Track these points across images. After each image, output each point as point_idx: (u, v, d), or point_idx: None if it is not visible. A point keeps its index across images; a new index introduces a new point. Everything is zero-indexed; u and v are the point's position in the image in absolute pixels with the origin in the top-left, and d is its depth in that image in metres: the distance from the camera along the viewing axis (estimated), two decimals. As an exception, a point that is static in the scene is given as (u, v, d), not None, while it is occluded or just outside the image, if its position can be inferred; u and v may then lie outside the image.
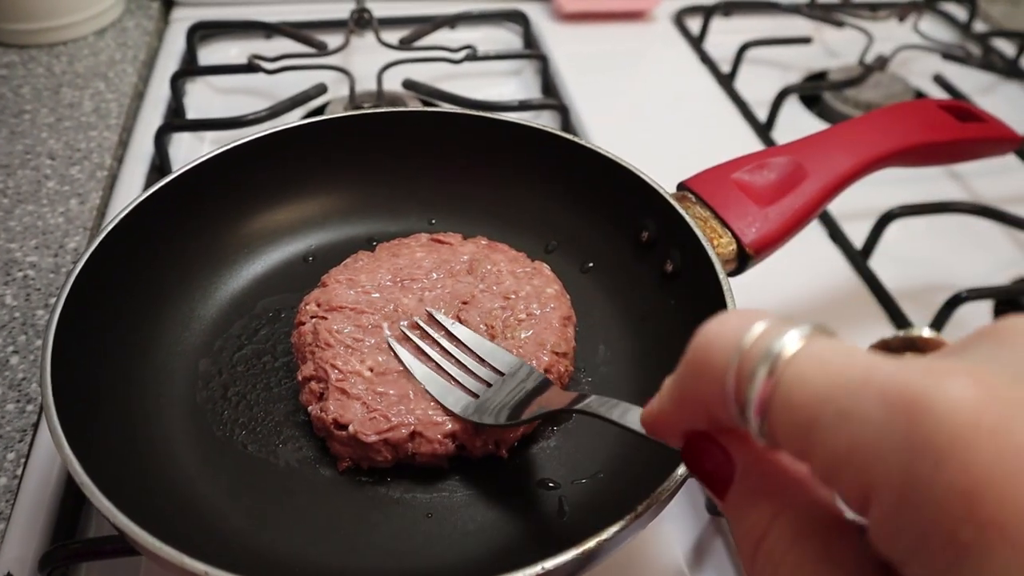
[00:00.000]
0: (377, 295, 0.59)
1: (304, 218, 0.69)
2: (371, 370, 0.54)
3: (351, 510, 0.51)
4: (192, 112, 0.93)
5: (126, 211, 0.57)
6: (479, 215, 0.69)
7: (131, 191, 0.80)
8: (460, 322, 0.57)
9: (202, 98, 0.95)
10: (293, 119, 0.80)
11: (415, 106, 0.88)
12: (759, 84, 0.99)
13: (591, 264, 0.67)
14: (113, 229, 0.55)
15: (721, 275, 0.55)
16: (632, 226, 0.64)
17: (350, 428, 0.51)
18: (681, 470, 0.44)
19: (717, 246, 0.56)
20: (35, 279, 0.71)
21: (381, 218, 0.70)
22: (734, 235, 0.57)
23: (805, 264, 0.76)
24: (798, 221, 0.59)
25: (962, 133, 0.65)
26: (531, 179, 0.68)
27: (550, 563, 0.40)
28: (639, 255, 0.64)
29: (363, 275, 0.60)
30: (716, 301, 0.54)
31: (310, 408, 0.53)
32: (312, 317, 0.57)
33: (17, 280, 0.70)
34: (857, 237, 0.78)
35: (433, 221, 0.70)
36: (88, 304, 0.52)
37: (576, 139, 0.66)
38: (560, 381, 0.55)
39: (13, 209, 0.78)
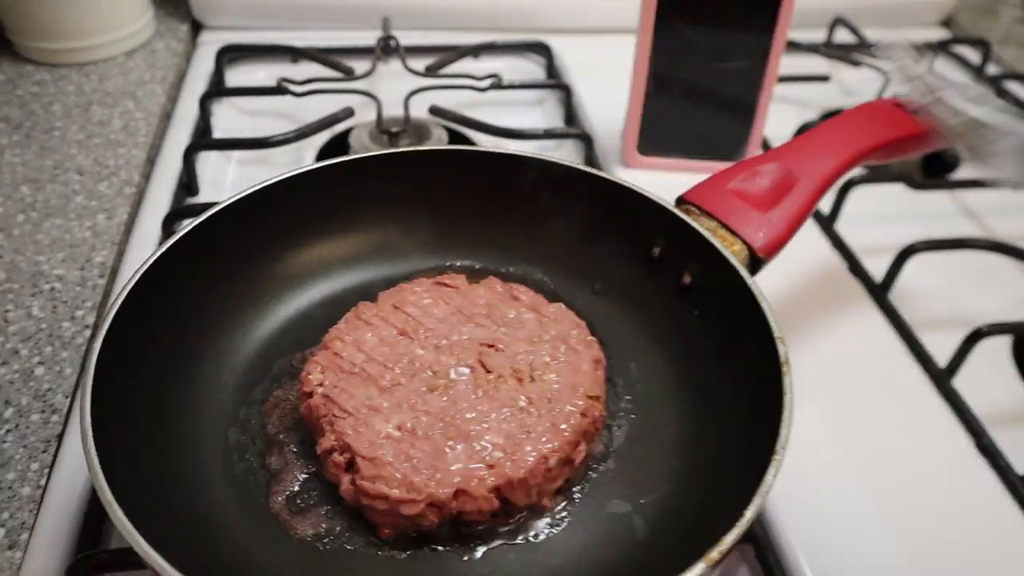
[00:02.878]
0: (387, 349, 0.56)
1: (312, 265, 0.67)
2: (399, 429, 0.51)
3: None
4: (219, 132, 0.94)
5: (141, 270, 0.55)
6: (484, 246, 0.70)
7: (158, 207, 0.81)
8: (484, 368, 0.56)
9: (229, 118, 0.96)
10: (320, 141, 0.80)
11: (439, 133, 0.90)
12: (778, 119, 1.00)
13: (598, 286, 0.68)
14: (127, 295, 0.53)
15: (748, 279, 0.56)
16: (641, 244, 0.65)
17: (390, 498, 0.48)
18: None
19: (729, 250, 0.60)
20: (62, 291, 0.71)
21: (379, 263, 0.69)
22: (744, 241, 0.60)
23: (825, 297, 0.76)
24: (799, 221, 0.62)
25: (922, 127, 0.71)
26: (533, 208, 0.69)
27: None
28: (651, 271, 0.65)
29: (368, 333, 0.57)
30: (746, 304, 0.55)
31: (340, 485, 0.51)
32: (319, 385, 0.54)
33: (44, 292, 0.71)
34: (877, 271, 0.79)
35: (445, 263, 0.70)
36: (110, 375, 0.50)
37: (578, 166, 0.67)
38: (595, 426, 0.55)
39: (42, 223, 0.79)
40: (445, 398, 0.54)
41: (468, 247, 0.70)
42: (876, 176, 0.87)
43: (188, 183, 0.84)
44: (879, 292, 0.78)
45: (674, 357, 0.63)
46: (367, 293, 0.64)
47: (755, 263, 0.60)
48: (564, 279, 0.69)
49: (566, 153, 0.93)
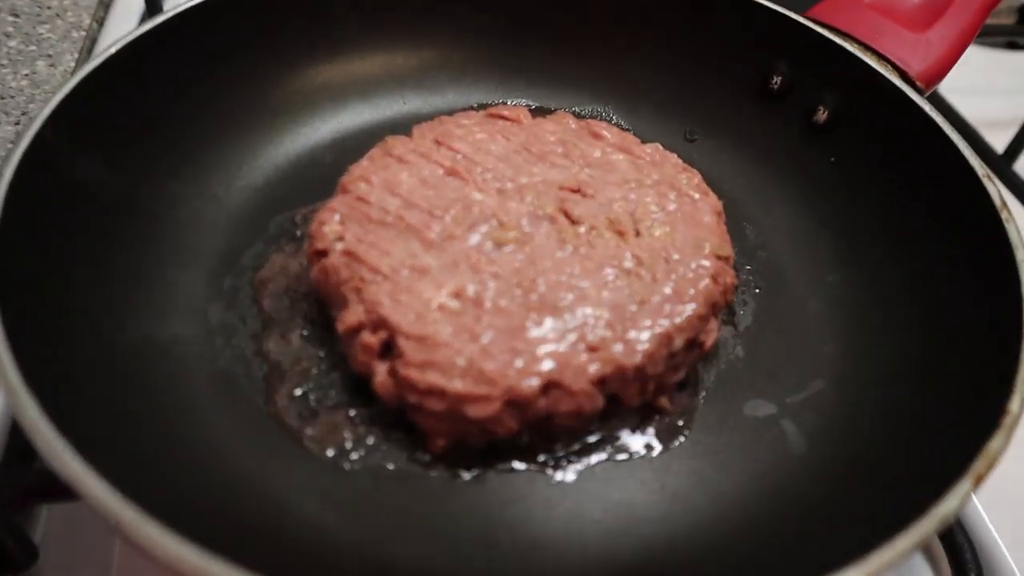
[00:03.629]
0: (431, 193, 0.40)
1: (319, 93, 0.50)
2: (457, 297, 0.36)
3: (479, 511, 0.34)
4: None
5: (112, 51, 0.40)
6: (542, 78, 0.53)
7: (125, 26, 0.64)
8: (568, 219, 0.40)
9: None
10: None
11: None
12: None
13: (694, 131, 0.52)
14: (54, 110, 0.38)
15: (924, 104, 0.43)
16: (754, 73, 0.50)
17: (450, 393, 0.33)
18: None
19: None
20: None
21: (407, 95, 0.52)
22: (896, 67, 0.47)
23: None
24: (965, 42, 0.49)
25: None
26: (606, 27, 0.52)
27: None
28: (767, 110, 0.50)
29: (403, 172, 0.41)
30: (918, 140, 0.42)
31: (374, 376, 0.35)
32: (338, 240, 0.38)
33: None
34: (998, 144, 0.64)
35: (490, 101, 0.53)
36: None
37: None
38: (725, 297, 0.39)
39: (-36, 70, 0.62)
40: (520, 255, 0.37)
41: (520, 79, 0.53)
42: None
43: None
44: (1002, 163, 0.63)
45: (805, 217, 0.47)
46: (391, 133, 0.47)
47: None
48: (648, 122, 0.53)
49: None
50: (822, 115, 0.48)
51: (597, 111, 0.53)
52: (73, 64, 0.66)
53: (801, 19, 0.48)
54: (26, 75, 0.64)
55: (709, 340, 0.38)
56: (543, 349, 0.34)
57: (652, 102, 0.53)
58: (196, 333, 0.39)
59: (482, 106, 0.52)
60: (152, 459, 0.31)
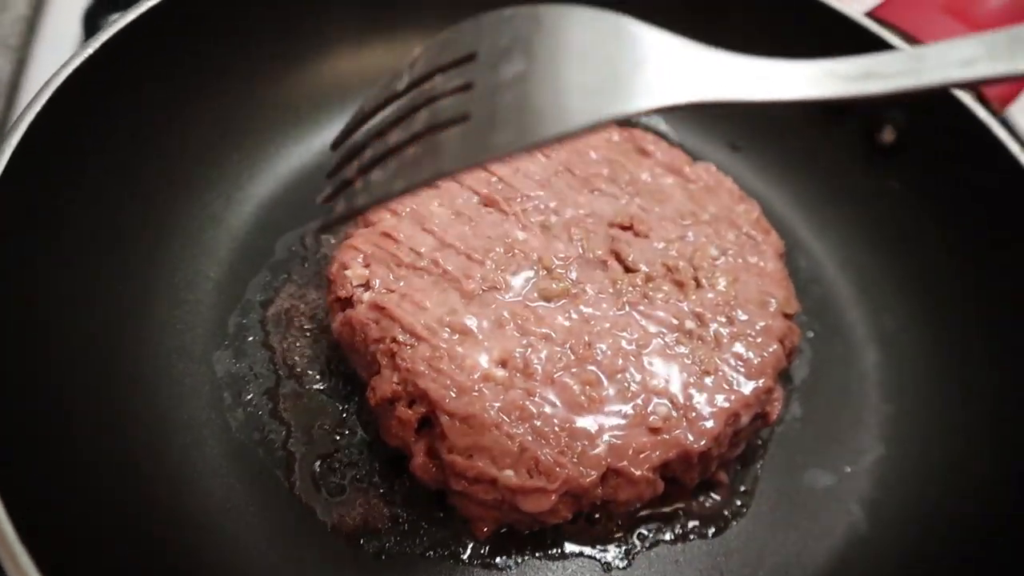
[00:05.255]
0: (467, 229, 0.35)
1: (333, 87, 0.43)
2: (503, 366, 0.31)
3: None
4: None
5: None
6: None
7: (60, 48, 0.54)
8: (622, 263, 0.35)
9: None
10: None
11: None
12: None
13: (740, 141, 0.47)
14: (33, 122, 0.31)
15: (998, 130, 0.38)
16: None
17: (501, 484, 0.29)
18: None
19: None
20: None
21: None
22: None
23: None
24: None
25: None
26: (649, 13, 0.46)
27: None
28: (827, 121, 0.45)
29: (435, 202, 0.36)
30: (987, 170, 0.38)
31: (412, 457, 0.31)
32: (361, 287, 0.33)
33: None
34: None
35: None
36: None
37: None
38: (790, 358, 0.36)
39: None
40: (573, 313, 0.33)
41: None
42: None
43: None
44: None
45: (863, 247, 0.44)
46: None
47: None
48: (691, 125, 0.48)
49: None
50: (889, 135, 0.43)
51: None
52: (28, 11, 0.58)
53: (864, 21, 0.43)
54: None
55: (774, 412, 0.35)
56: (602, 433, 0.30)
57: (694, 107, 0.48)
58: (196, 385, 0.34)
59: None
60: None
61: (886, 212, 0.43)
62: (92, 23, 0.52)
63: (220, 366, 0.35)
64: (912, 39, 0.44)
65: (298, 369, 0.35)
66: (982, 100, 0.42)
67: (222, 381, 0.34)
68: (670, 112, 0.26)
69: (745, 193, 0.40)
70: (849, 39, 0.43)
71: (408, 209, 0.36)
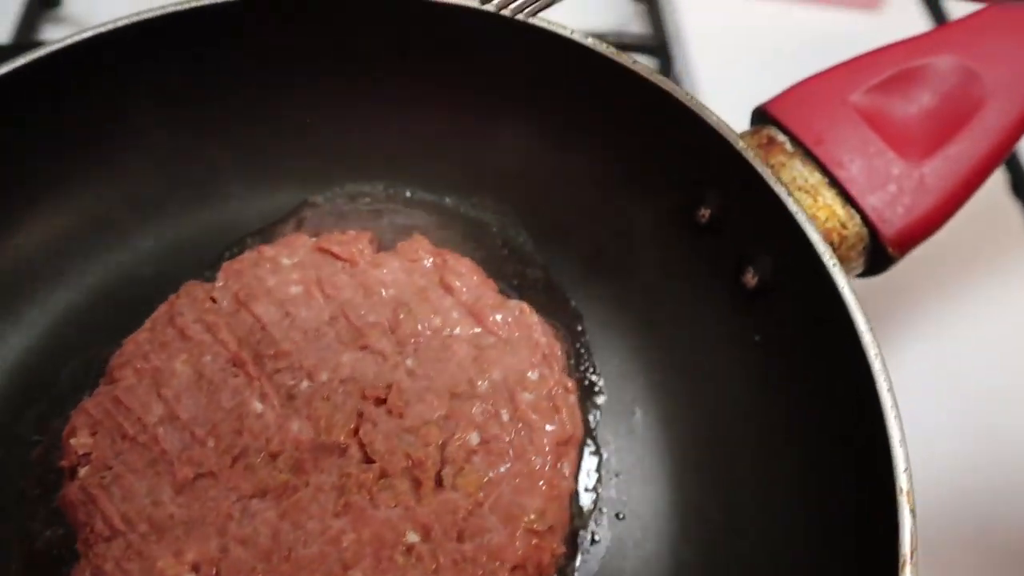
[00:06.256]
0: (204, 399, 0.32)
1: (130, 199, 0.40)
2: (195, 570, 0.29)
3: None
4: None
5: None
6: (441, 166, 0.43)
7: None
8: (363, 450, 0.32)
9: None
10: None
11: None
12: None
13: (599, 260, 0.41)
14: None
15: (853, 307, 0.31)
16: (678, 196, 0.38)
17: None
18: None
19: (833, 234, 0.35)
20: None
21: (254, 188, 0.42)
22: (864, 217, 0.35)
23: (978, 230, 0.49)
24: (974, 184, 0.36)
25: None
26: (508, 115, 0.41)
27: None
28: (693, 248, 0.39)
29: (182, 357, 0.33)
30: (837, 339, 0.31)
31: None
32: (83, 458, 0.31)
33: None
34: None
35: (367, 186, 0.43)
36: None
37: (569, 35, 0.37)
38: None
39: None
40: (284, 513, 0.31)
41: (409, 159, 0.43)
42: None
43: None
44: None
45: (700, 408, 0.38)
46: (232, 232, 0.40)
47: (879, 257, 0.36)
48: (550, 234, 0.42)
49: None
50: (751, 278, 0.37)
51: (495, 218, 0.43)
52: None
53: (738, 144, 0.35)
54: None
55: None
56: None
57: (560, 215, 0.42)
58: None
59: (348, 194, 0.43)
60: None
61: (749, 375, 0.37)
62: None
63: None
64: (808, 151, 0.36)
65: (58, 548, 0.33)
66: (875, 237, 0.34)
67: None
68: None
69: (557, 328, 0.35)
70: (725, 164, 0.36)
71: (150, 366, 0.33)
